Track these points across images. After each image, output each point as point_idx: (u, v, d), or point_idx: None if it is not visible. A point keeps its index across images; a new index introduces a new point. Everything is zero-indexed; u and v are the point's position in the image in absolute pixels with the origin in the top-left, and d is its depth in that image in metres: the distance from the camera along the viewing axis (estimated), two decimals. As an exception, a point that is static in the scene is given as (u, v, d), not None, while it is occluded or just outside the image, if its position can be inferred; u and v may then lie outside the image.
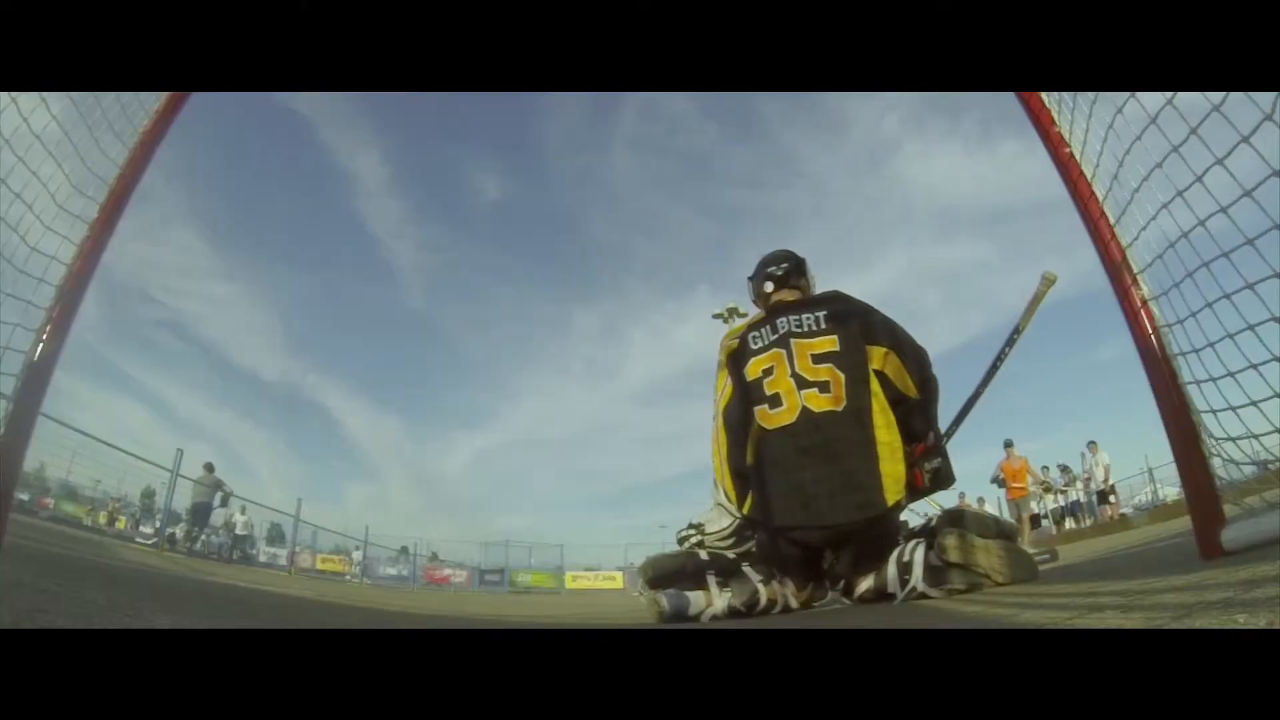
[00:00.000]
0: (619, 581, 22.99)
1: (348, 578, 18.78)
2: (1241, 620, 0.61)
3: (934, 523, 2.08)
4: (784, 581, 2.21)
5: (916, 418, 2.26)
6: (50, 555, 2.29)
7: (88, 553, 3.27)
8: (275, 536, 19.11)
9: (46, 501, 12.16)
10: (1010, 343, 2.60)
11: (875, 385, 2.22)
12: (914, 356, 2.28)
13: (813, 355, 2.29)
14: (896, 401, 2.23)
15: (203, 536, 12.14)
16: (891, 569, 1.98)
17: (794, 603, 2.22)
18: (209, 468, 11.77)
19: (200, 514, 11.47)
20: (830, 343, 2.30)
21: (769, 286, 2.63)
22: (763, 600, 2.13)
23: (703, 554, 2.27)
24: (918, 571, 1.92)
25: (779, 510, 2.26)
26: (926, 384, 2.28)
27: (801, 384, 2.28)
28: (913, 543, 1.99)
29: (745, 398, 2.39)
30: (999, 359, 2.61)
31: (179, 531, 12.04)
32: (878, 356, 2.26)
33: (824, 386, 2.24)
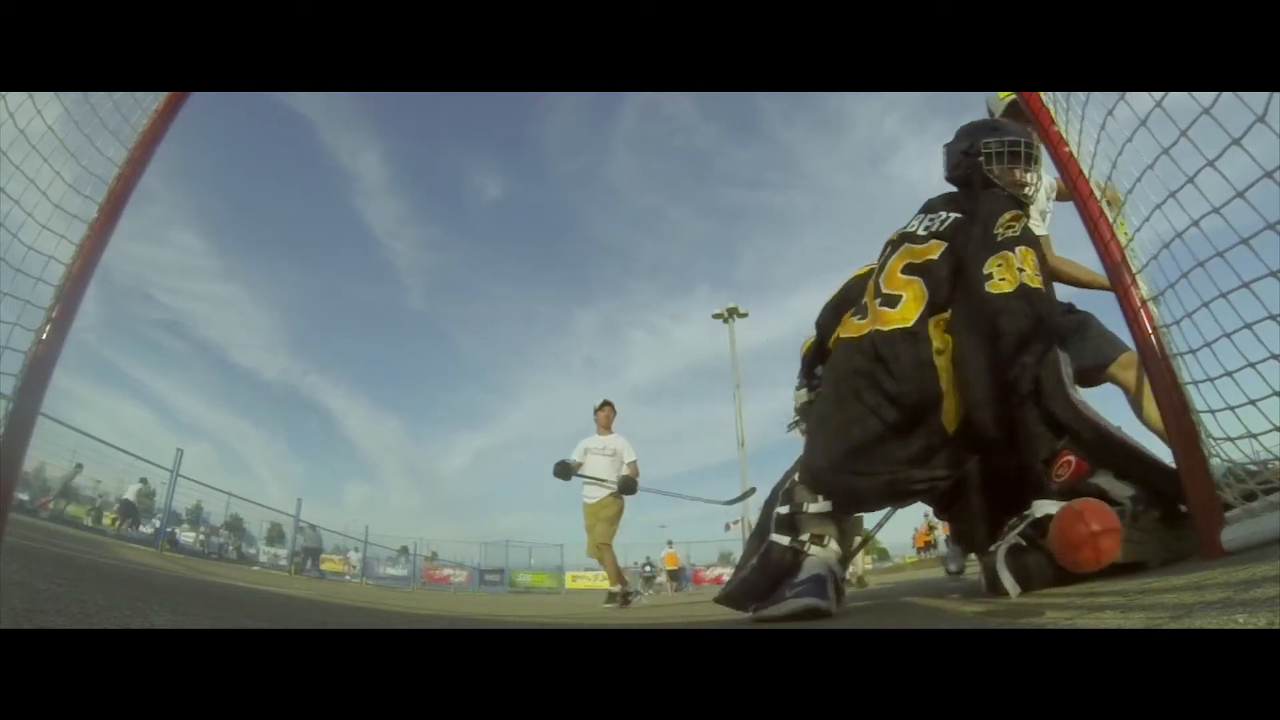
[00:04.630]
0: (619, 581, 22.97)
1: (347, 578, 18.77)
2: (1241, 620, 0.61)
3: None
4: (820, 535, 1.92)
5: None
6: (50, 555, 2.28)
7: (89, 552, 3.27)
8: (275, 536, 19.10)
9: (46, 502, 12.15)
10: None
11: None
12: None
13: (905, 266, 1.97)
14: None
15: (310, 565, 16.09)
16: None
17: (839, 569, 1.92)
18: (312, 526, 16.38)
19: (313, 554, 16.19)
20: (931, 250, 1.94)
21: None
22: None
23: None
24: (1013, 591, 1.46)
25: (821, 446, 1.99)
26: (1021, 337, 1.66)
27: (875, 295, 2.00)
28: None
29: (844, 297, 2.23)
30: None
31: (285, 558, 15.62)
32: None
33: (892, 301, 1.92)
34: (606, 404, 5.74)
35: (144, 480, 12.58)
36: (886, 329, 1.87)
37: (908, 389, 1.79)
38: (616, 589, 5.15)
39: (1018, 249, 1.81)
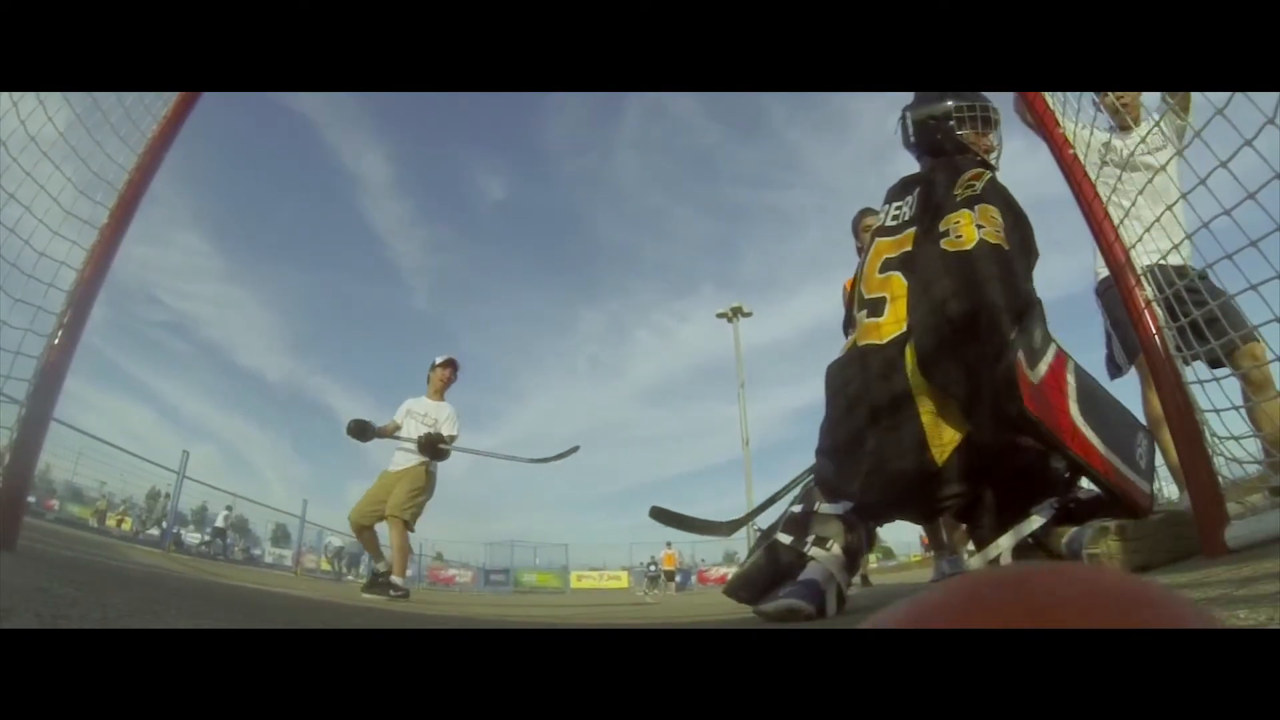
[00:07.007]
0: (624, 581, 23.01)
1: (349, 578, 18.82)
2: (1242, 616, 0.62)
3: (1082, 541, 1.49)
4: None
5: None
6: (61, 558, 2.31)
7: (99, 555, 3.29)
8: (280, 537, 19.15)
9: (51, 503, 12.20)
10: None
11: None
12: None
13: (881, 264, 1.85)
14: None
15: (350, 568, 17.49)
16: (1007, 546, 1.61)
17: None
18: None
19: (354, 561, 17.32)
20: (905, 241, 1.81)
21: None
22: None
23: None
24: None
25: (822, 467, 1.92)
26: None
27: (860, 305, 1.87)
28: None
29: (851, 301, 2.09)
30: None
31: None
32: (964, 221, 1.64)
33: (876, 307, 1.80)
34: (448, 362, 4.69)
35: (229, 508, 14.72)
36: (881, 343, 1.77)
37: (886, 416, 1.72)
38: (398, 579, 4.05)
39: (978, 206, 1.73)
